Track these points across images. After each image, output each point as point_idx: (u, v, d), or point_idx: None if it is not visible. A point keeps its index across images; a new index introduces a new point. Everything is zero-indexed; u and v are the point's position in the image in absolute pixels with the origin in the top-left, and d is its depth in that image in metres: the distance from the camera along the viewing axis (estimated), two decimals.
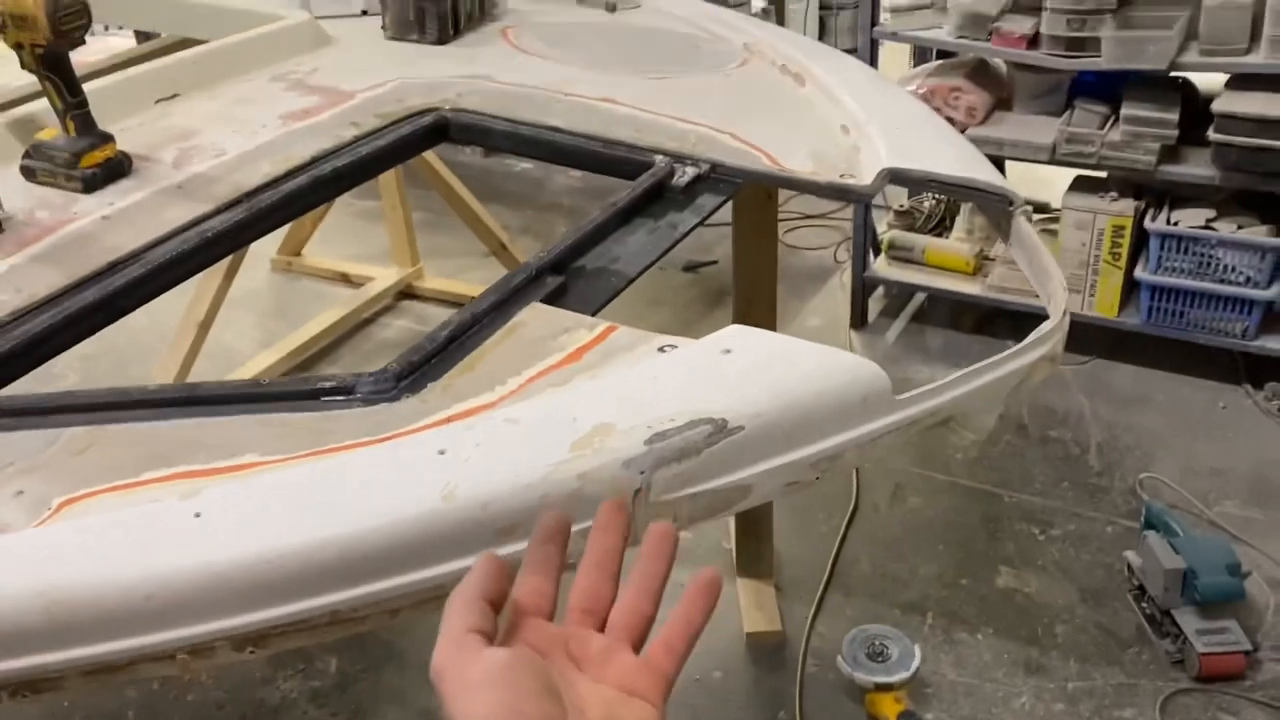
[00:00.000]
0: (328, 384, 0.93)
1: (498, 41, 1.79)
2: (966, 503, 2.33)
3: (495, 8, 1.90)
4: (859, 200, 1.22)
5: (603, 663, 0.53)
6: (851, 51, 4.86)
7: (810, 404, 0.87)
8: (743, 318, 1.85)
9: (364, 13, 1.89)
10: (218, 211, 1.22)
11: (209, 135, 1.39)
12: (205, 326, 2.64)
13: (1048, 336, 1.01)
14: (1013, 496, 2.33)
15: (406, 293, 3.30)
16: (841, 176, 1.29)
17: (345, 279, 3.36)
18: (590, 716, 0.50)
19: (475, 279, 3.32)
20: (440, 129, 1.48)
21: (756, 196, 1.74)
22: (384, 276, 3.28)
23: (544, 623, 0.54)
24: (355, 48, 1.73)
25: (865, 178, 1.28)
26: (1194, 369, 2.64)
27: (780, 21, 4.08)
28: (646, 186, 1.26)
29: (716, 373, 0.90)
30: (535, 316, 1.03)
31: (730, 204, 1.47)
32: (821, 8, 4.96)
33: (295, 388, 0.94)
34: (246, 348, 3.04)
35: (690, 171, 1.31)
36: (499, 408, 0.88)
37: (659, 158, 1.34)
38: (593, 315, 1.05)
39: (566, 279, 1.10)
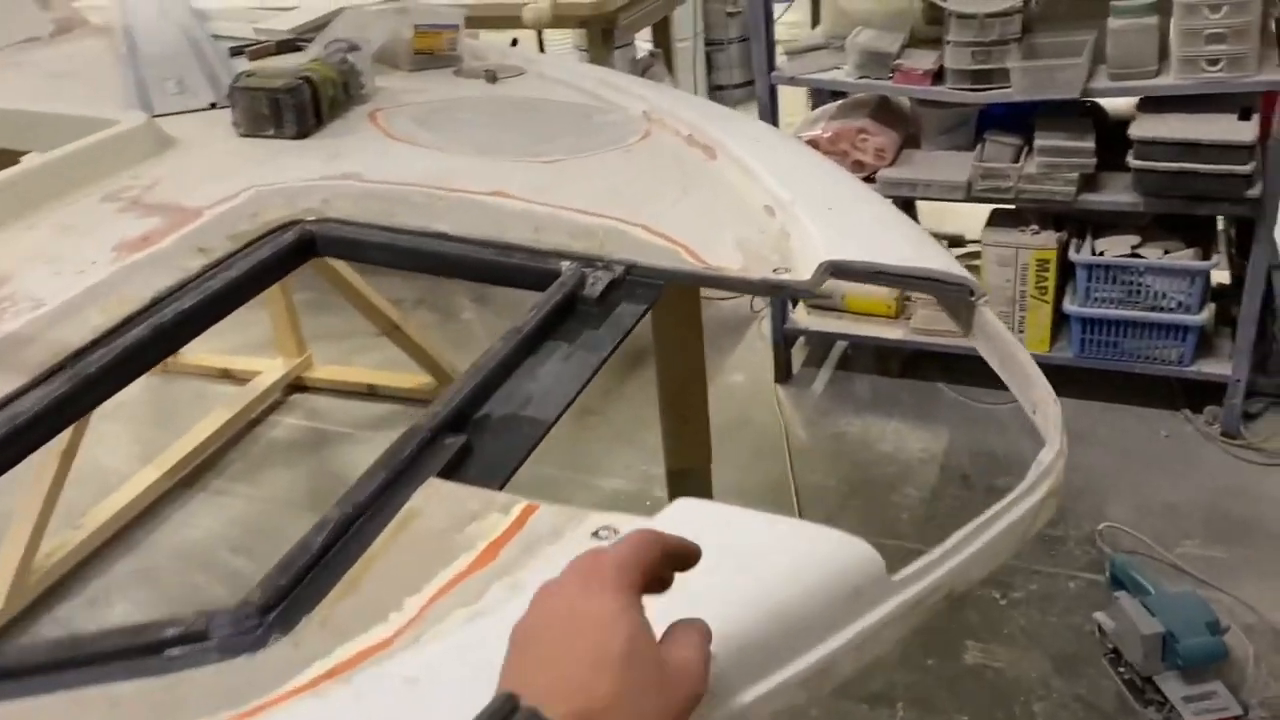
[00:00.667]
0: (173, 631, 0.72)
1: (367, 128, 1.59)
2: None
3: (362, 89, 1.70)
4: (796, 296, 1.06)
5: None
6: (746, 87, 4.76)
7: (794, 608, 0.69)
8: (672, 423, 1.68)
9: (213, 105, 1.68)
10: (34, 385, 0.99)
11: (23, 280, 1.16)
12: (70, 454, 2.37)
13: (1049, 469, 0.85)
14: None
15: (296, 385, 3.06)
16: (775, 271, 1.13)
17: (228, 375, 3.10)
18: None
19: (369, 361, 3.10)
20: (306, 245, 1.27)
21: (677, 289, 1.57)
22: (270, 369, 3.03)
23: None
24: (202, 151, 1.51)
25: (801, 270, 1.11)
26: (1132, 398, 2.55)
27: (668, 60, 3.94)
28: (556, 301, 1.08)
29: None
30: (434, 499, 0.83)
31: None
32: (708, 43, 4.87)
33: (130, 642, 0.72)
34: (123, 465, 2.76)
35: (603, 277, 1.13)
36: (395, 650, 0.68)
37: (565, 264, 1.16)
38: (504, 484, 0.87)
39: (469, 436, 0.91)
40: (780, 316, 2.73)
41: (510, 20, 3.14)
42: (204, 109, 1.67)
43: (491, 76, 1.82)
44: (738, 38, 4.80)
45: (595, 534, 0.77)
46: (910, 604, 0.74)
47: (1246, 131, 2.06)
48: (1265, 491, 2.30)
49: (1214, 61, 2.08)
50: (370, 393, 2.98)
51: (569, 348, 1.05)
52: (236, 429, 2.86)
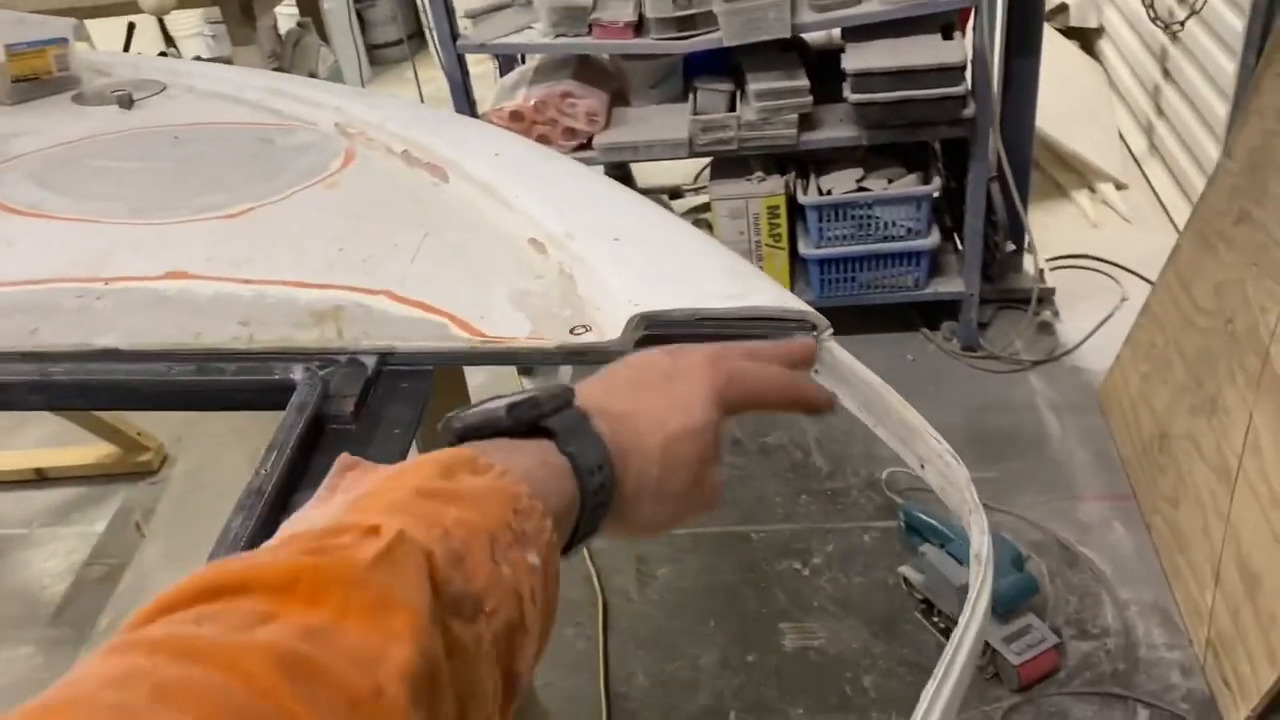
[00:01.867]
0: None
1: None
2: (717, 555, 2.07)
3: None
4: (606, 361, 0.84)
5: None
6: (405, 44, 4.37)
7: None
8: None
9: None
10: None
11: None
12: None
13: (985, 561, 0.70)
14: (760, 532, 2.10)
15: None
16: (573, 331, 0.91)
17: None
18: None
19: (31, 439, 2.58)
20: None
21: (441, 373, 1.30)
22: None
23: None
24: None
25: (604, 326, 0.90)
26: (872, 328, 2.54)
27: (319, 28, 3.52)
28: (298, 435, 0.80)
29: None
30: None
31: None
32: (357, 0, 4.44)
33: None
34: None
35: (352, 379, 0.87)
36: None
37: (297, 369, 0.88)
38: None
39: None
40: None
41: (125, 7, 2.67)
42: None
43: (126, 100, 1.44)
44: None
45: None
46: None
47: (957, 51, 2.04)
48: (1013, 399, 2.36)
49: None
50: (40, 478, 2.47)
51: None
52: None
